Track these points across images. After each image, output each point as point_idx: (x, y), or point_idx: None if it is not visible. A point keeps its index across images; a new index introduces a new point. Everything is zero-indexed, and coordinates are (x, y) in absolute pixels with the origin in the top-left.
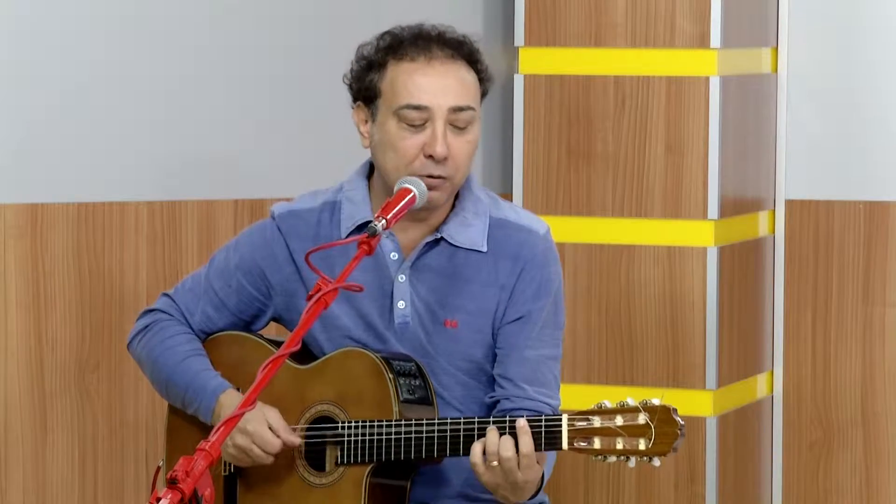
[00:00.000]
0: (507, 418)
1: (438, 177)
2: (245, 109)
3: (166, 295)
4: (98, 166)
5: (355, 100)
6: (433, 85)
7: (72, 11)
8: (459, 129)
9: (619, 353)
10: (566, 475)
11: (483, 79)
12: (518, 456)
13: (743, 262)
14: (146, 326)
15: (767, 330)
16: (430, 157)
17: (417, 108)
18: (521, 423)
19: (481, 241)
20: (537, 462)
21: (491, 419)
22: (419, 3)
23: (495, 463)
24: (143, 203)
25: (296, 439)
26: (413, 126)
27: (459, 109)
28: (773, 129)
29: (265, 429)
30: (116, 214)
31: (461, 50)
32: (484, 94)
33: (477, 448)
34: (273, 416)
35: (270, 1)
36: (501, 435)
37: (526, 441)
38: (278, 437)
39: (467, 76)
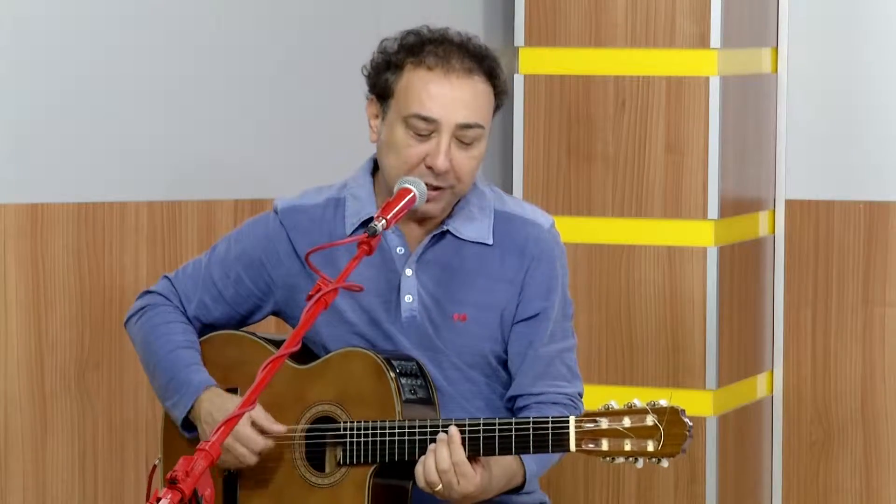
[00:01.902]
0: (513, 420)
1: (437, 187)
2: (245, 110)
3: (167, 278)
4: (98, 166)
5: (370, 92)
6: (446, 98)
7: (72, 11)
8: (465, 144)
9: (619, 353)
10: (566, 475)
11: (499, 93)
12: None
13: (743, 262)
14: (143, 308)
15: (767, 330)
16: (431, 167)
17: (426, 119)
18: (452, 430)
19: (487, 234)
20: (483, 468)
21: (497, 420)
22: (419, 3)
23: (439, 488)
24: (143, 203)
25: (279, 427)
26: (419, 135)
27: (467, 126)
28: (773, 129)
29: (248, 427)
30: (116, 214)
31: (482, 63)
32: (497, 108)
33: (419, 477)
34: (255, 412)
35: (270, 1)
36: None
37: (457, 451)
38: (262, 429)
39: (482, 91)
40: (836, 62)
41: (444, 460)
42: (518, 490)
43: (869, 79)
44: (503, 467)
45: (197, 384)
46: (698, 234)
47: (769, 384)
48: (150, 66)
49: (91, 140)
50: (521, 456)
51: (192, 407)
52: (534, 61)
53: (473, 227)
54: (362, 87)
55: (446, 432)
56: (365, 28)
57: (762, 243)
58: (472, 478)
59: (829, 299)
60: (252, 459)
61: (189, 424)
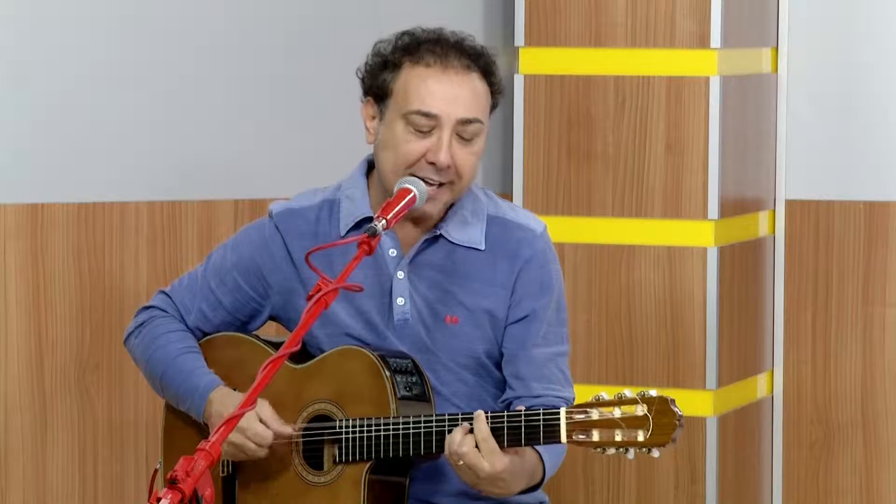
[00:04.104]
0: (505, 413)
1: (439, 183)
2: (245, 109)
3: (163, 292)
4: (98, 166)
5: (366, 94)
6: (445, 93)
7: (72, 11)
8: (465, 140)
9: (619, 353)
10: (566, 474)
11: (495, 91)
12: (477, 446)
13: (743, 262)
14: (142, 323)
15: (767, 330)
16: (432, 163)
17: (427, 115)
18: (478, 412)
19: (480, 238)
20: (515, 453)
21: (489, 413)
22: (419, 2)
23: (461, 462)
24: (143, 203)
25: (287, 429)
26: (420, 132)
27: (468, 122)
28: (773, 129)
29: (256, 423)
30: (116, 214)
31: (478, 61)
32: (494, 107)
33: (445, 446)
34: (264, 409)
35: (270, 1)
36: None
37: (479, 427)
38: (270, 428)
39: (480, 88)
40: (836, 62)
41: (463, 444)
42: (537, 487)
43: (869, 79)
44: (530, 459)
45: (203, 388)
46: (698, 234)
47: (769, 384)
48: (150, 66)
49: (91, 140)
50: (539, 451)
51: (204, 412)
52: (534, 61)
53: (466, 232)
54: (360, 88)
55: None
56: (365, 28)
57: (762, 243)
58: (500, 455)
59: (829, 299)
60: (263, 453)
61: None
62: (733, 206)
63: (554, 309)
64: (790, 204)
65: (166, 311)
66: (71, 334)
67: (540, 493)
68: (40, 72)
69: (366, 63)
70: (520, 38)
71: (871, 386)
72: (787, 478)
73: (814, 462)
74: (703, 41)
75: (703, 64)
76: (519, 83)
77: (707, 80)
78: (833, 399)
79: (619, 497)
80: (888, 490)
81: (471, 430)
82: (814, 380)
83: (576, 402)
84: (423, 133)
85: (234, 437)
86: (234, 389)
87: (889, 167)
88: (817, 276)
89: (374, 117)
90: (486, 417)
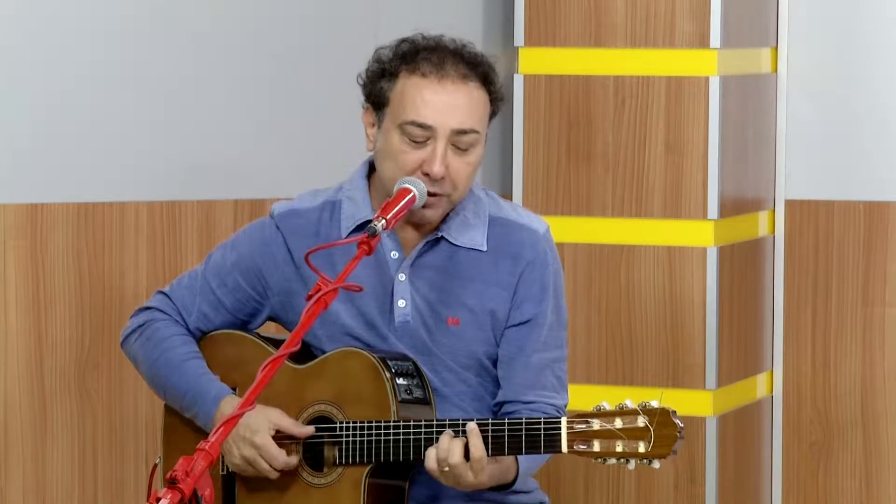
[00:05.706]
0: (488, 420)
1: (434, 194)
2: (245, 109)
3: (162, 293)
4: (98, 166)
5: (366, 101)
6: (440, 104)
7: (72, 11)
8: (461, 150)
9: (619, 353)
10: (566, 475)
11: (494, 99)
12: (469, 461)
13: (743, 262)
14: (141, 325)
15: (767, 330)
16: (427, 174)
17: (421, 125)
18: (471, 426)
19: (481, 240)
20: (496, 461)
21: (489, 421)
22: (419, 3)
23: (447, 468)
24: (143, 203)
25: (307, 430)
26: (415, 142)
27: (463, 132)
28: (773, 129)
29: (272, 443)
30: (116, 214)
31: (476, 70)
32: (494, 114)
33: (431, 454)
34: (276, 416)
35: (270, 1)
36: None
37: (475, 444)
38: (290, 433)
39: (477, 97)
40: (836, 62)
41: (454, 455)
42: (508, 487)
43: (869, 79)
44: (505, 461)
45: (213, 396)
46: (698, 234)
47: (769, 384)
48: (150, 67)
49: (91, 140)
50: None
51: (212, 419)
52: (533, 61)
53: (468, 234)
54: (360, 91)
55: (455, 433)
56: (365, 28)
57: (762, 243)
58: (487, 469)
59: (829, 299)
60: (274, 475)
61: None
62: (733, 206)
63: (554, 312)
64: (790, 204)
65: (166, 313)
66: (71, 334)
67: (539, 493)
68: (40, 72)
69: (366, 69)
70: (519, 39)
71: (871, 386)
72: (786, 478)
73: (814, 462)
74: (702, 41)
75: (703, 64)
76: (519, 83)
77: (707, 79)
78: (833, 399)
79: (619, 497)
80: (888, 490)
81: (455, 436)
82: (814, 380)
83: (577, 407)
84: (419, 143)
85: (249, 452)
86: (235, 389)
87: (889, 167)
88: (817, 276)
89: (373, 124)
90: (487, 431)
